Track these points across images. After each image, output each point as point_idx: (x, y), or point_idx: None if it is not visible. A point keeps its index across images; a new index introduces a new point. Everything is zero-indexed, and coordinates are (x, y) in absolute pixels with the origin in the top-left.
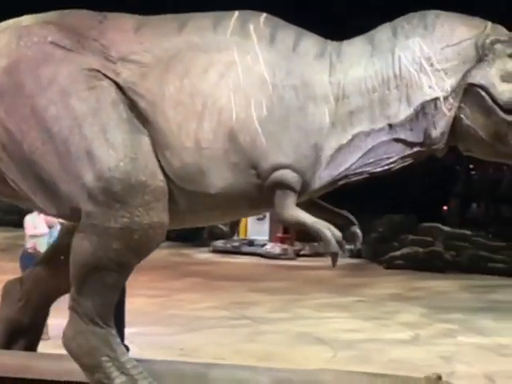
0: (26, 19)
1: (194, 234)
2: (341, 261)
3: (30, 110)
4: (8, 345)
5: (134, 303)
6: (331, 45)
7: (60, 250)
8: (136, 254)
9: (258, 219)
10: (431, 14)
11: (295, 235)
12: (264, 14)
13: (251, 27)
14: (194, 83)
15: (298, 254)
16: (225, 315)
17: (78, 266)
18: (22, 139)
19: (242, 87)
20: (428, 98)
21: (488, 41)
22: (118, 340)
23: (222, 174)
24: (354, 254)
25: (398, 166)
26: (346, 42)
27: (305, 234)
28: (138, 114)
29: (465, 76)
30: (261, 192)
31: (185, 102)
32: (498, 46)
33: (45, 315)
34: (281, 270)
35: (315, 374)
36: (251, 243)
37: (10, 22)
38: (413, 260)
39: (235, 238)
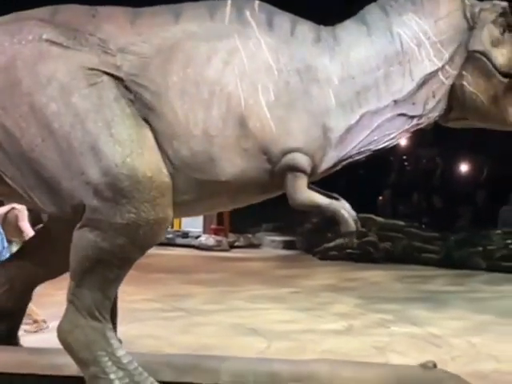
0: (14, 17)
1: None
2: (274, 252)
3: (29, 108)
4: None
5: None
6: (324, 29)
7: (44, 237)
8: (140, 249)
9: None
10: None
11: (229, 227)
12: (256, 1)
13: (247, 14)
14: (198, 72)
15: (232, 246)
16: (159, 307)
17: (80, 260)
18: (21, 136)
19: (248, 73)
20: (429, 70)
21: (476, 10)
22: (114, 335)
23: (232, 160)
24: (288, 246)
25: (395, 142)
26: (338, 26)
27: (239, 226)
28: (143, 105)
29: (461, 45)
30: (272, 176)
31: (190, 90)
32: (483, 15)
33: (28, 300)
34: (215, 262)
35: (311, 364)
36: (185, 235)
37: None
38: (347, 251)
39: (169, 229)
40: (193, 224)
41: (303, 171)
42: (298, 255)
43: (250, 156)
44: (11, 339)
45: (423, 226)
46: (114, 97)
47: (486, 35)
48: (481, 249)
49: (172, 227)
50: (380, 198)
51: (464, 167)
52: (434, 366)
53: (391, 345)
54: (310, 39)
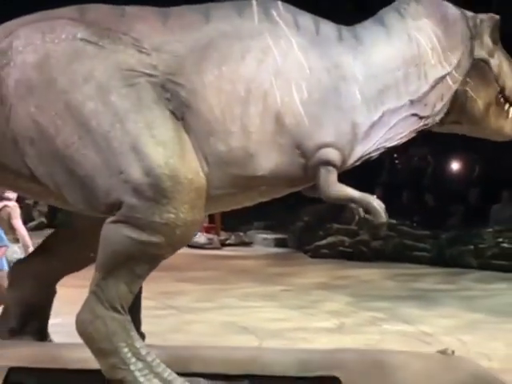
0: (41, 16)
1: None
2: (266, 250)
3: (65, 106)
4: (22, 327)
5: (62, 293)
6: (345, 29)
7: (68, 232)
8: (173, 248)
9: None
10: None
11: (220, 225)
12: (279, 1)
13: (274, 13)
14: (233, 70)
15: (223, 244)
16: (151, 305)
17: (111, 254)
18: (56, 134)
19: (282, 71)
20: (440, 74)
21: (478, 21)
22: (133, 327)
23: (268, 155)
24: (280, 244)
25: (404, 140)
26: (357, 26)
27: (230, 224)
28: (180, 103)
29: (465, 52)
30: (304, 171)
31: (226, 88)
32: (482, 26)
33: (53, 295)
34: (206, 260)
35: (338, 353)
36: None
37: (18, 20)
38: (338, 249)
39: None
40: None
41: (335, 165)
42: (289, 253)
43: (285, 151)
44: (42, 336)
45: (415, 225)
46: (152, 98)
47: (484, 46)
48: (472, 247)
49: None
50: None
51: (455, 165)
52: (452, 352)
53: (383, 343)
54: (334, 38)
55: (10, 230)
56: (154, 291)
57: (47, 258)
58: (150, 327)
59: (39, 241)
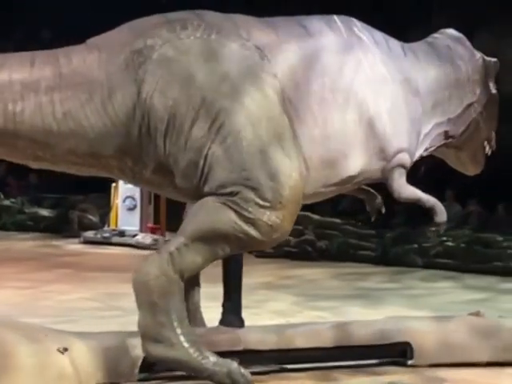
0: (164, 18)
1: (63, 225)
2: None
3: (201, 101)
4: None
5: (1, 295)
6: (405, 46)
7: None
8: (261, 246)
9: (129, 209)
10: (458, 33)
11: (166, 226)
12: (353, 18)
13: (356, 29)
14: (333, 80)
15: None
16: (96, 306)
17: (207, 227)
18: (189, 127)
19: (371, 82)
20: (470, 101)
21: (491, 63)
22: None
23: (360, 157)
24: None
25: (430, 153)
26: (413, 45)
27: (176, 225)
28: (290, 112)
29: (484, 87)
30: (381, 172)
31: (327, 97)
32: (494, 67)
33: (198, 287)
34: None
35: (406, 320)
36: (122, 234)
37: (140, 23)
38: (283, 249)
39: (106, 228)
40: (129, 222)
41: (406, 169)
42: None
43: (372, 154)
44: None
45: (359, 224)
46: (280, 110)
47: (494, 84)
48: (416, 246)
49: (109, 226)
50: None
51: None
52: (483, 314)
53: None
54: (401, 53)
55: None
56: (98, 292)
57: None
58: (94, 329)
59: None
